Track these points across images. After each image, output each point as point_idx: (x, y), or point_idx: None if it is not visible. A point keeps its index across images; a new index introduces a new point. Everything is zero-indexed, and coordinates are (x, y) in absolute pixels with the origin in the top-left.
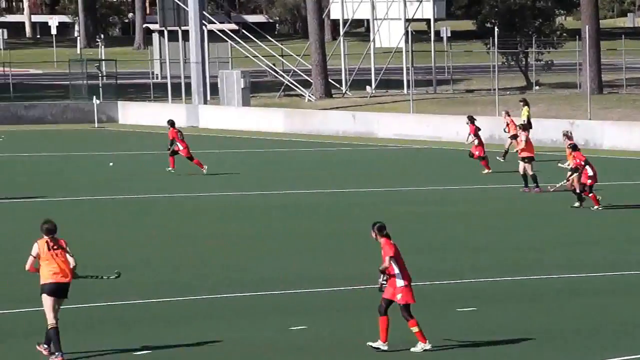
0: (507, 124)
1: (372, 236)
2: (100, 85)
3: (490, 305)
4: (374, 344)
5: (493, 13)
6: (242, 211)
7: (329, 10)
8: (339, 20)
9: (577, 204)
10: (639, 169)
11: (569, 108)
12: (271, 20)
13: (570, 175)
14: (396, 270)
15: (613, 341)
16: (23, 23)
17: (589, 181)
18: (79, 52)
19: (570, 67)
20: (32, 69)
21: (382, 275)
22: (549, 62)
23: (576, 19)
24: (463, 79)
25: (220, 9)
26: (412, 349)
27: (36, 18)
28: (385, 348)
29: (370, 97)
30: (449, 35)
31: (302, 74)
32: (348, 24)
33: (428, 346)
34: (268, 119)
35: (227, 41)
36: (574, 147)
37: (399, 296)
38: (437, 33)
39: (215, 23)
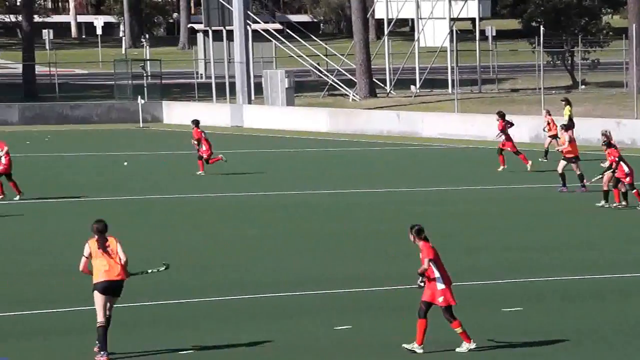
0: (548, 123)
1: (410, 239)
2: (145, 85)
3: (534, 305)
4: (409, 346)
5: (539, 12)
6: (286, 211)
7: (373, 10)
8: (383, 19)
9: (601, 203)
10: None
11: (615, 107)
12: (315, 20)
13: (605, 171)
14: (436, 274)
15: None
16: (69, 23)
17: (627, 179)
18: (124, 52)
19: (616, 66)
20: (77, 69)
21: (420, 277)
22: (595, 61)
23: (623, 17)
24: (508, 78)
25: (264, 9)
26: (458, 349)
27: (82, 18)
28: (421, 351)
29: (415, 96)
30: (494, 34)
31: (346, 73)
32: (392, 23)
33: (473, 345)
34: (312, 119)
35: (271, 41)
36: (608, 144)
37: (440, 299)
38: (482, 32)
39: (259, 23)
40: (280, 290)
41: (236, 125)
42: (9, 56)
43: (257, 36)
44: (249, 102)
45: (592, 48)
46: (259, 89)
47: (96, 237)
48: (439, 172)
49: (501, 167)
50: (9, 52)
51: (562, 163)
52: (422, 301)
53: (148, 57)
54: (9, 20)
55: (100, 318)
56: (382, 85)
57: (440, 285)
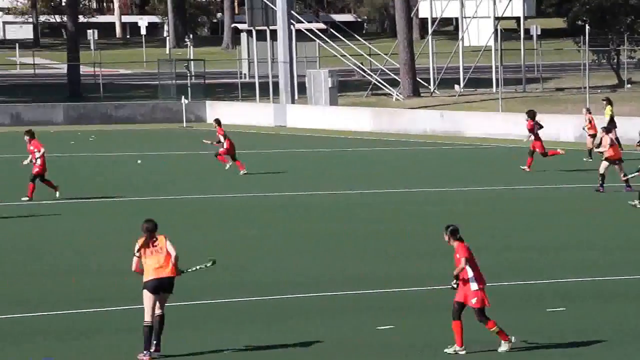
0: (590, 122)
1: (445, 239)
2: (189, 85)
3: (578, 306)
4: (450, 350)
5: (584, 10)
6: (328, 211)
7: (417, 9)
8: (427, 18)
9: (635, 202)
10: None
11: None
12: (359, 20)
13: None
14: (470, 274)
15: None
16: (113, 24)
17: None
18: (168, 52)
19: None
20: (121, 69)
21: (455, 280)
22: None
23: None
24: (553, 78)
25: (308, 9)
26: (500, 349)
27: (126, 19)
28: (463, 352)
29: (459, 95)
30: (539, 33)
31: (390, 73)
32: (436, 22)
33: (513, 339)
34: (355, 118)
35: (315, 40)
36: None
37: (473, 300)
38: (527, 31)
39: (303, 22)
40: (318, 291)
41: (279, 125)
42: (54, 56)
43: (301, 36)
44: (292, 101)
45: (638, 47)
46: (302, 88)
47: (146, 236)
48: (480, 172)
49: (526, 168)
50: (54, 52)
51: (604, 164)
52: (455, 301)
53: (192, 57)
54: (54, 20)
55: (147, 317)
56: (426, 85)
57: (474, 286)
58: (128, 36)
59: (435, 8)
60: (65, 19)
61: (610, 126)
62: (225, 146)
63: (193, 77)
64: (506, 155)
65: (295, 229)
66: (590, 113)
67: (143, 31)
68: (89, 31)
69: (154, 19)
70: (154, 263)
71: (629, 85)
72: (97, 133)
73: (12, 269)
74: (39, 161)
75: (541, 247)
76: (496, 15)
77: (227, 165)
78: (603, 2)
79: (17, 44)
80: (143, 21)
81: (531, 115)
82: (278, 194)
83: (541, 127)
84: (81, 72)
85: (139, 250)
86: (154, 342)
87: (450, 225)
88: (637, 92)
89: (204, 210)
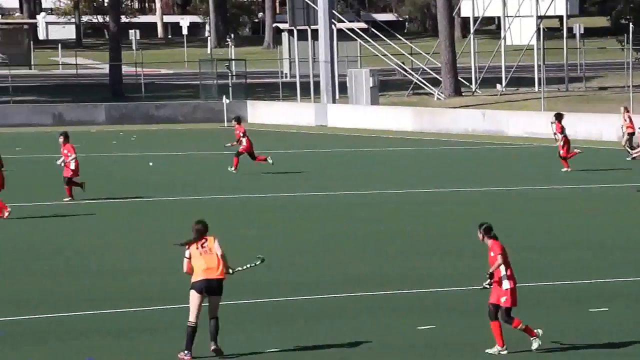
0: (627, 120)
1: (479, 237)
2: (230, 84)
3: (622, 306)
4: (492, 351)
5: (628, 9)
6: (374, 210)
7: (459, 8)
8: (469, 18)
9: None
10: None
11: None
12: (401, 19)
13: None
14: (502, 272)
15: None
16: (155, 24)
17: None
18: (209, 52)
19: None
20: (163, 69)
21: (488, 279)
22: None
23: None
24: (596, 77)
25: (349, 8)
26: (532, 347)
27: (168, 19)
28: (505, 352)
29: (500, 95)
30: (582, 31)
31: (431, 72)
32: (478, 21)
33: (540, 332)
34: (396, 118)
35: (356, 40)
36: None
37: (502, 299)
38: (570, 30)
39: (344, 22)
40: (360, 290)
41: (320, 125)
42: (96, 56)
43: (342, 35)
44: (334, 101)
45: None
46: (343, 88)
47: (195, 237)
48: (522, 171)
49: (567, 169)
50: (96, 52)
51: None
52: (490, 303)
53: (233, 57)
54: (96, 21)
55: (191, 317)
56: (467, 84)
57: (506, 285)
58: (170, 36)
59: (477, 7)
60: (107, 19)
61: None
62: (244, 144)
63: (234, 77)
64: (547, 155)
65: (342, 229)
66: (628, 111)
67: (185, 31)
68: (131, 31)
69: (196, 18)
70: (203, 264)
71: None
72: (138, 133)
73: (65, 268)
74: (72, 164)
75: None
76: (539, 14)
77: (270, 161)
78: None
79: (59, 44)
80: (185, 21)
81: (559, 117)
82: (314, 193)
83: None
84: (123, 72)
85: (185, 245)
86: (212, 343)
87: (484, 223)
88: None
89: (234, 208)
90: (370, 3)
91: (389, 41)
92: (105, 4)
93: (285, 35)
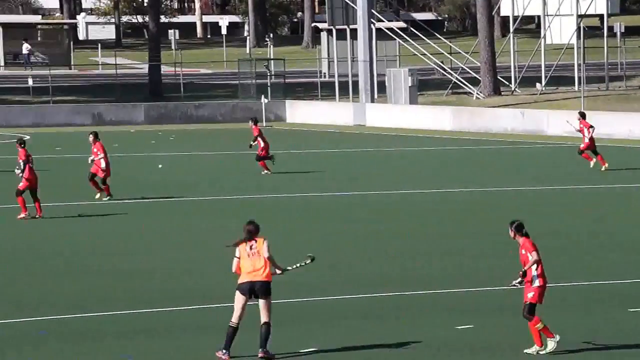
0: None
1: (511, 235)
2: (269, 84)
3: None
4: (531, 350)
5: None
6: (404, 210)
7: (499, 7)
8: (508, 16)
9: None
10: None
11: None
12: (440, 18)
13: None
14: (534, 272)
15: None
16: (194, 23)
17: None
18: (248, 51)
19: None
20: (202, 69)
21: (519, 278)
22: None
23: None
24: (636, 75)
25: (388, 7)
26: (547, 349)
27: (207, 18)
28: (544, 352)
29: (540, 94)
30: (623, 30)
31: (470, 71)
32: (518, 20)
33: (557, 338)
34: (435, 117)
35: (395, 39)
36: None
37: (529, 295)
38: (611, 28)
39: (383, 21)
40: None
41: (358, 124)
42: (135, 56)
43: (381, 35)
44: (372, 100)
45: None
46: (382, 87)
47: (245, 237)
48: (558, 171)
49: (603, 167)
50: (135, 52)
51: None
52: (524, 303)
53: (272, 57)
54: (136, 21)
55: (234, 318)
56: (507, 83)
57: (536, 283)
58: (209, 36)
59: (517, 6)
60: (147, 19)
61: None
62: (261, 145)
63: (273, 77)
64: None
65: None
66: None
67: (224, 31)
68: (170, 31)
69: (235, 18)
70: (249, 266)
71: None
72: (177, 133)
73: (90, 268)
74: (102, 163)
75: None
76: (579, 13)
77: (272, 164)
78: None
79: (99, 45)
80: (224, 21)
81: (583, 115)
82: (353, 193)
83: (589, 126)
84: (162, 72)
85: (235, 246)
86: (260, 350)
87: (515, 221)
88: None
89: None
90: (410, 2)
91: (428, 40)
92: (145, 4)
93: (324, 35)
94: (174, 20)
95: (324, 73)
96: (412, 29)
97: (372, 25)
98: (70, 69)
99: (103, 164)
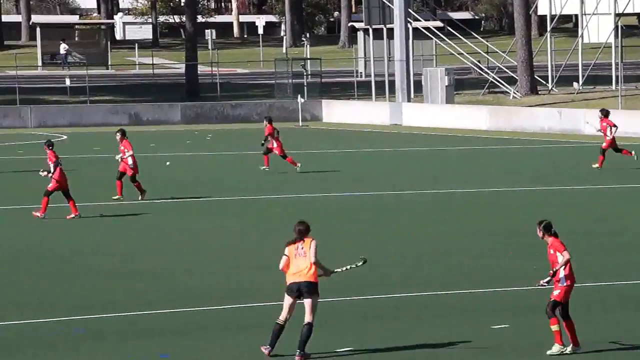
0: None
1: (539, 235)
2: (305, 84)
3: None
4: (567, 350)
5: None
6: (440, 210)
7: (536, 6)
8: (546, 15)
9: None
10: None
11: None
12: (477, 17)
13: None
14: (561, 274)
15: None
16: (231, 23)
17: None
18: (284, 51)
19: None
20: (239, 69)
21: (548, 278)
22: None
23: None
24: None
25: (425, 7)
26: (549, 352)
27: (244, 18)
28: (579, 350)
29: (577, 93)
30: None
31: (507, 70)
32: (556, 19)
33: (566, 350)
34: (472, 117)
35: (431, 38)
36: None
37: (555, 292)
38: None
39: (420, 20)
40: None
41: (395, 124)
42: (172, 56)
43: (418, 34)
44: (409, 100)
45: None
46: (418, 87)
47: (296, 237)
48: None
49: (595, 165)
50: (172, 52)
51: None
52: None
53: (308, 56)
54: (173, 21)
55: (281, 316)
56: (544, 83)
57: (564, 282)
58: (245, 35)
59: (554, 5)
60: (184, 19)
61: None
62: (273, 146)
63: (309, 76)
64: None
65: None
66: None
67: (260, 30)
68: (207, 31)
69: (272, 18)
70: (294, 267)
71: None
72: (214, 132)
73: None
74: (129, 160)
75: None
76: (617, 12)
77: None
78: None
79: (136, 44)
80: (260, 20)
81: (605, 113)
82: (387, 193)
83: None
84: (199, 72)
85: (286, 245)
86: (298, 350)
87: (543, 220)
88: None
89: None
90: (447, 1)
91: (464, 39)
92: (182, 4)
93: (360, 34)
94: (211, 20)
95: (361, 72)
96: (448, 28)
97: (408, 24)
98: (108, 69)
99: (130, 161)
